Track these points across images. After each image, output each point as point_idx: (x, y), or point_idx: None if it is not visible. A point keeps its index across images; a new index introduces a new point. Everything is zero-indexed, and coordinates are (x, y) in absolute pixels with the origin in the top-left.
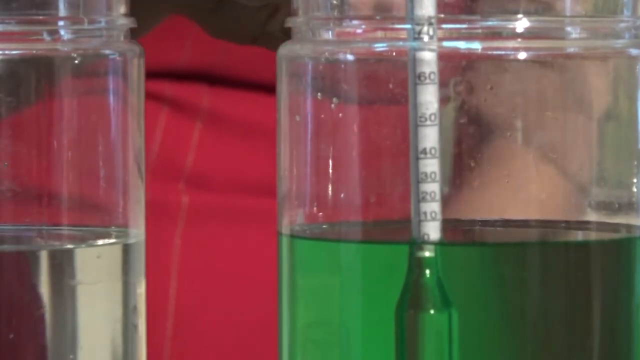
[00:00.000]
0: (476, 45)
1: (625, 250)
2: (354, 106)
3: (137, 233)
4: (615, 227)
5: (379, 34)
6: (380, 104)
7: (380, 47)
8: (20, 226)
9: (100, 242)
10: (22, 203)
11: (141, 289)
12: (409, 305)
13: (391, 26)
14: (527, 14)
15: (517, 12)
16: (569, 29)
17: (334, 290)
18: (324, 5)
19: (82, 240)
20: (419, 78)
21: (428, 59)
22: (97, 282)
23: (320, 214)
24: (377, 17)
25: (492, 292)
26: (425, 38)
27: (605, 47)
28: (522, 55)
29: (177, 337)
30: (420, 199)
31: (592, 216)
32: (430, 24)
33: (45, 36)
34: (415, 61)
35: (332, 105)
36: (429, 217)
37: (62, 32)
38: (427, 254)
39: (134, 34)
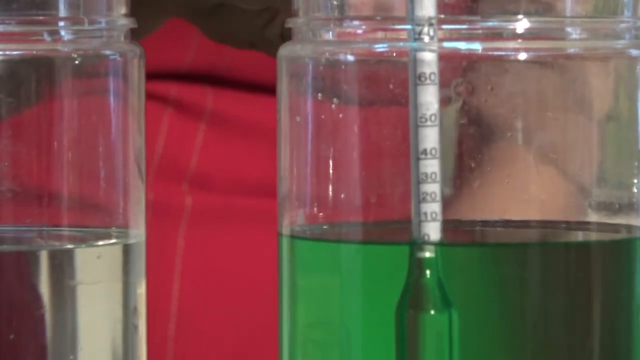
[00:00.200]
0: (476, 46)
1: (625, 251)
2: (355, 107)
3: (138, 233)
4: (615, 228)
5: (380, 34)
6: (380, 105)
7: (380, 47)
8: (21, 227)
9: (100, 242)
10: (22, 203)
11: (141, 290)
12: (410, 305)
13: (391, 27)
14: (527, 14)
15: (517, 13)
16: (569, 29)
17: (334, 291)
18: (324, 5)
19: (83, 240)
20: (419, 78)
21: (428, 59)
22: (97, 282)
23: (321, 214)
24: (378, 18)
25: (493, 292)
26: (426, 39)
27: (606, 48)
28: (522, 56)
29: (180, 337)
30: (421, 199)
31: (593, 217)
32: (431, 24)
33: (46, 37)
34: (415, 62)
35: (333, 106)
36: (429, 217)
37: (62, 32)
38: (427, 254)
39: (134, 36)
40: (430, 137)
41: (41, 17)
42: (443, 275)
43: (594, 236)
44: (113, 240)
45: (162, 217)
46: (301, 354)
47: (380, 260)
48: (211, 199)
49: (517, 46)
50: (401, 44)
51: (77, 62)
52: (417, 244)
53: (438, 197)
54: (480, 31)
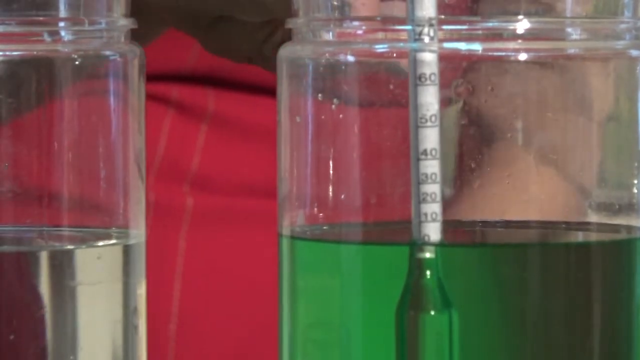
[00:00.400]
0: (477, 47)
1: (625, 251)
2: (355, 107)
3: (138, 234)
4: (615, 228)
5: (380, 35)
6: (380, 105)
7: (380, 48)
8: (21, 227)
9: (100, 243)
10: (22, 204)
11: (141, 290)
12: (410, 306)
13: (392, 27)
14: (527, 15)
15: (517, 13)
16: (569, 30)
17: (334, 291)
18: (324, 6)
19: (83, 241)
20: (419, 79)
21: (428, 60)
22: (97, 283)
23: (321, 215)
24: (378, 18)
25: (493, 293)
26: (426, 39)
27: (606, 48)
28: (522, 57)
29: (181, 338)
30: (421, 200)
31: (593, 217)
32: (431, 25)
33: (46, 37)
34: (415, 62)
35: (333, 106)
36: (429, 218)
37: (62, 33)
38: (427, 255)
39: (133, 40)
40: (430, 138)
41: (41, 18)
42: (443, 275)
43: (594, 237)
44: (113, 241)
45: (164, 218)
46: (301, 355)
47: (381, 261)
48: (212, 200)
49: (517, 47)
50: (401, 44)
51: (77, 62)
52: (417, 244)
53: (438, 198)
54: (480, 32)
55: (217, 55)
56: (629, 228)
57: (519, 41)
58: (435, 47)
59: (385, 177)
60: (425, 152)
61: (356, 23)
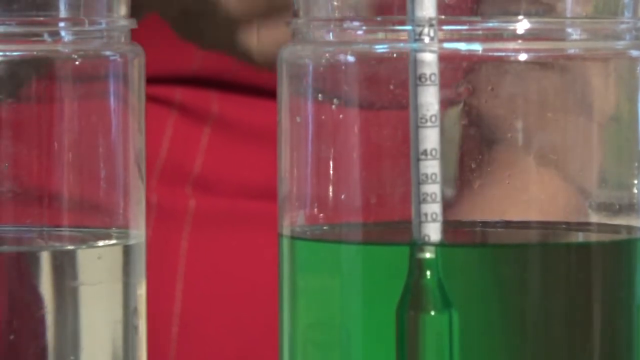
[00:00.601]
0: (477, 47)
1: (625, 252)
2: (355, 107)
3: (138, 234)
4: (615, 229)
5: (380, 35)
6: (380, 106)
7: (380, 48)
8: (21, 227)
9: (100, 243)
10: (22, 204)
11: (142, 290)
12: (410, 306)
13: (392, 27)
14: (527, 15)
15: (517, 14)
16: (569, 30)
17: (334, 292)
18: (324, 6)
19: (83, 241)
20: (419, 79)
21: (429, 60)
22: (97, 283)
23: (321, 215)
24: (378, 19)
25: (493, 293)
26: (426, 39)
27: (606, 49)
28: (522, 57)
29: (183, 339)
30: (421, 200)
31: (593, 217)
32: (431, 25)
33: (46, 37)
34: (415, 62)
35: (333, 107)
36: (429, 218)
37: (62, 33)
38: (427, 255)
39: None
40: (430, 138)
41: (42, 18)
42: (443, 276)
43: (594, 237)
44: (113, 241)
45: (166, 220)
46: (301, 355)
47: (381, 261)
48: (215, 202)
49: (517, 47)
50: (402, 44)
51: (77, 62)
52: (418, 244)
53: (438, 198)
54: (480, 32)
55: (188, 42)
56: (629, 228)
57: (519, 41)
58: (435, 47)
59: (386, 177)
60: (425, 152)
61: (356, 23)
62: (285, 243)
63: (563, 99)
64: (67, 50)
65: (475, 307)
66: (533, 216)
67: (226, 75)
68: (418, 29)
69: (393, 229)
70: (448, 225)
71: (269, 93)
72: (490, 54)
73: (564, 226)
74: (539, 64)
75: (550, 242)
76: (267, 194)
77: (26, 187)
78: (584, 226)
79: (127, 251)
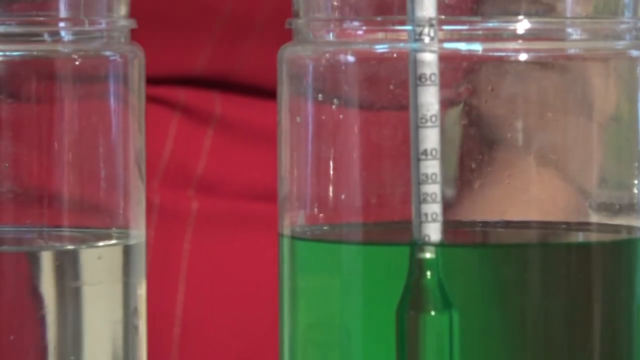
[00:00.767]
0: (477, 47)
1: (626, 252)
2: (355, 107)
3: (138, 234)
4: (616, 229)
5: (380, 35)
6: (381, 105)
7: (381, 48)
8: (21, 227)
9: (101, 243)
10: (23, 204)
11: (142, 290)
12: (410, 306)
13: (392, 27)
14: (527, 15)
15: (518, 14)
16: (569, 30)
17: (334, 292)
18: (324, 6)
19: (83, 241)
20: (419, 79)
21: (429, 60)
22: (97, 283)
23: (321, 215)
24: (378, 19)
25: (493, 293)
26: (426, 39)
27: (606, 49)
28: (522, 57)
29: (185, 341)
30: (421, 200)
31: (593, 217)
32: (431, 25)
33: (46, 37)
34: (416, 62)
35: (333, 107)
36: (429, 218)
37: (62, 33)
38: (427, 255)
39: None
40: (430, 138)
41: (41, 18)
42: (443, 276)
43: (594, 237)
44: (113, 241)
45: (169, 221)
46: (301, 355)
47: (381, 261)
48: (218, 204)
49: (517, 47)
50: (402, 44)
51: (77, 63)
52: (418, 244)
53: (438, 198)
54: (480, 32)
55: None
56: (630, 228)
57: (519, 41)
58: (435, 47)
59: (386, 177)
60: (425, 152)
61: (356, 23)
62: (286, 243)
63: (563, 99)
64: (67, 50)
65: (475, 307)
66: (533, 216)
67: (230, 76)
68: (418, 29)
69: (393, 229)
70: (448, 225)
71: (273, 95)
72: (490, 54)
73: (564, 226)
74: (539, 64)
75: (550, 242)
76: (270, 196)
77: (26, 187)
78: (584, 226)
79: (127, 251)
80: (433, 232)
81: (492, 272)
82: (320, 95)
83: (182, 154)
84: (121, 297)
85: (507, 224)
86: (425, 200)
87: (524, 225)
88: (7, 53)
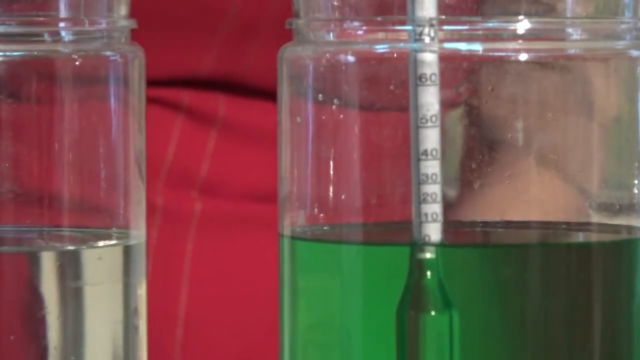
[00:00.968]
0: (477, 47)
1: (626, 252)
2: (355, 108)
3: (138, 234)
4: (616, 229)
5: (380, 35)
6: (381, 106)
7: (381, 48)
8: (22, 227)
9: (101, 243)
10: (23, 204)
11: (142, 291)
12: (410, 306)
13: (392, 27)
14: (528, 15)
15: (518, 14)
16: (570, 30)
17: (334, 292)
18: (324, 6)
19: (83, 241)
20: (420, 79)
21: (429, 60)
22: (98, 283)
23: (321, 215)
24: (378, 19)
25: (493, 293)
26: (426, 39)
27: (606, 49)
28: (523, 57)
29: (187, 342)
30: (421, 200)
31: (593, 218)
32: (431, 25)
33: (46, 37)
34: (416, 62)
35: (333, 107)
36: (430, 218)
37: (62, 33)
38: (428, 255)
39: None
40: (430, 138)
41: (42, 18)
42: (444, 276)
43: (594, 237)
44: (114, 241)
45: (172, 223)
46: (302, 355)
47: (381, 261)
48: (221, 206)
49: (517, 47)
50: (402, 44)
51: (77, 63)
52: (418, 245)
53: (439, 198)
54: (480, 32)
55: None
56: (630, 228)
57: (520, 41)
58: (435, 47)
59: (386, 177)
60: (425, 152)
61: (356, 23)
62: (286, 243)
63: (563, 99)
64: (67, 51)
65: (475, 308)
66: (533, 216)
67: (235, 78)
68: (418, 29)
69: (393, 229)
70: (448, 226)
71: (276, 97)
72: (490, 54)
73: (564, 226)
74: (539, 64)
75: (550, 243)
76: (273, 197)
77: (26, 188)
78: (584, 226)
79: (127, 251)
80: (433, 232)
81: (493, 272)
82: (320, 96)
83: (185, 155)
84: (121, 297)
85: (508, 224)
86: (425, 201)
87: (524, 225)
88: (7, 53)
